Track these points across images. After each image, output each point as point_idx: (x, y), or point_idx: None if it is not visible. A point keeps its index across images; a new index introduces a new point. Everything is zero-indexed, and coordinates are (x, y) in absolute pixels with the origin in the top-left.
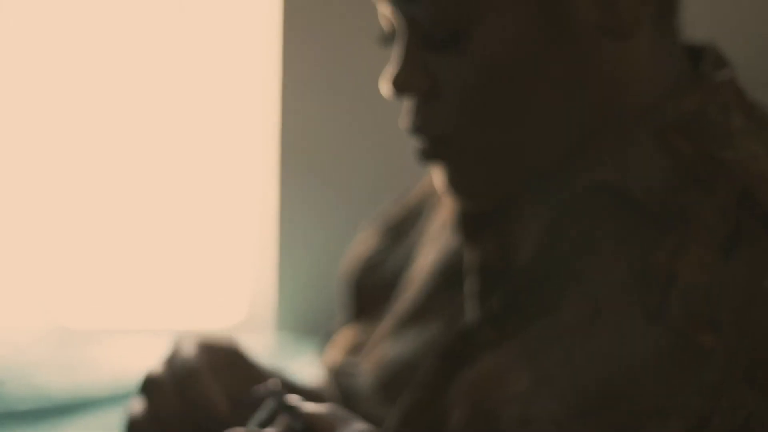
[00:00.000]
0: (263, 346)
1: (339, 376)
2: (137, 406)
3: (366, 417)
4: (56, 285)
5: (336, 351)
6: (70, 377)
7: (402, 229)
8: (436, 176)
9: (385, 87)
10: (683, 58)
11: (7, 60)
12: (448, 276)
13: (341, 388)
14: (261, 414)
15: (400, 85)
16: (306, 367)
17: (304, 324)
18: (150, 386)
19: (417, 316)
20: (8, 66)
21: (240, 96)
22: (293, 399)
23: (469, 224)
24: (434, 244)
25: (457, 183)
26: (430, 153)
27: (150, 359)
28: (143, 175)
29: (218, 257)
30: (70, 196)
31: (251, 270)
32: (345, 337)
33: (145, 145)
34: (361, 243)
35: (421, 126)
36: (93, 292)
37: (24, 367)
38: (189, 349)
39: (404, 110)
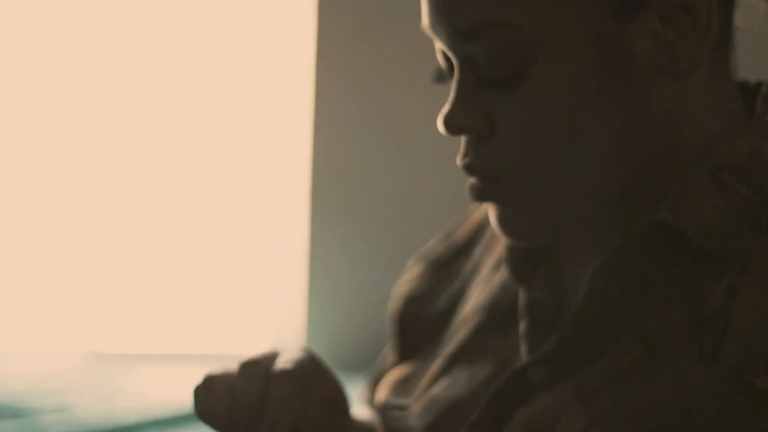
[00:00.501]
0: None
1: (388, 415)
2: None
3: None
4: (89, 310)
5: (384, 389)
6: (103, 404)
7: (451, 267)
8: (490, 215)
9: (440, 125)
10: (738, 98)
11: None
12: (501, 316)
13: (391, 428)
14: None
15: (455, 123)
16: None
17: (333, 359)
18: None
19: (468, 355)
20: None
21: (273, 131)
22: None
23: (521, 265)
24: (487, 283)
25: (509, 223)
26: (484, 192)
27: (181, 386)
28: (182, 205)
29: (250, 287)
30: (105, 224)
31: (281, 300)
32: (393, 375)
33: (182, 177)
34: (408, 280)
35: (475, 165)
36: (125, 317)
37: (57, 393)
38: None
39: (460, 148)
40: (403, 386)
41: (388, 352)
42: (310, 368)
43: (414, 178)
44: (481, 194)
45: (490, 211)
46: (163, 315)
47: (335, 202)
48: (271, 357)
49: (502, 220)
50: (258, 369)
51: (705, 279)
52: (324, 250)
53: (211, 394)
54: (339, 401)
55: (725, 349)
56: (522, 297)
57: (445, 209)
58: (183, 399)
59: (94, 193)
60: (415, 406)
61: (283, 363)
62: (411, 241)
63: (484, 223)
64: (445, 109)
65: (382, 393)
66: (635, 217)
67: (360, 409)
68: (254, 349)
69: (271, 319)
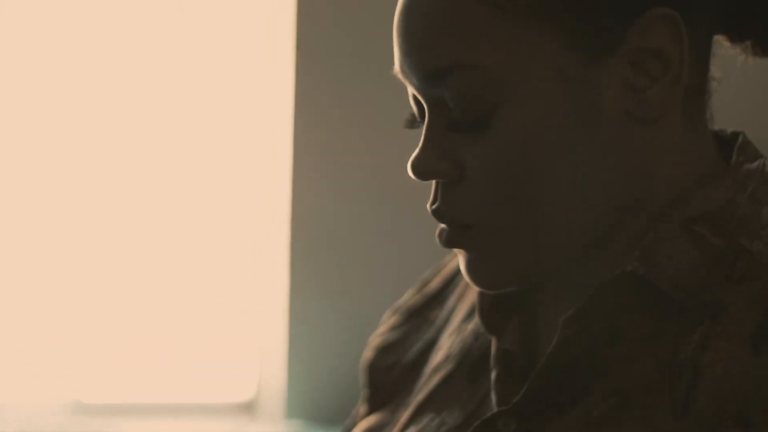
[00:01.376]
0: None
1: None
2: None
3: None
4: (70, 360)
5: None
6: None
7: (424, 316)
8: (460, 262)
9: (409, 169)
10: (714, 147)
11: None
12: (471, 365)
13: None
14: None
15: (423, 168)
16: None
17: (314, 411)
18: None
19: (437, 404)
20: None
21: (253, 179)
22: None
23: (493, 314)
24: (459, 332)
25: (478, 270)
26: (453, 238)
27: None
28: (163, 250)
29: (232, 337)
30: (85, 273)
31: (261, 349)
32: (363, 425)
33: (165, 223)
34: (382, 331)
35: (443, 210)
36: (105, 367)
37: None
38: None
39: (431, 193)
40: None
41: (360, 404)
42: None
43: (395, 230)
44: (449, 240)
45: (459, 257)
46: (144, 365)
47: (316, 253)
48: None
49: (471, 267)
50: None
51: (677, 330)
52: (304, 302)
53: None
54: None
55: (696, 403)
56: (493, 346)
57: (429, 263)
58: None
59: (76, 237)
60: None
61: None
62: (392, 294)
63: (457, 272)
64: (415, 153)
65: None
66: (607, 266)
67: None
68: (235, 399)
69: (252, 371)
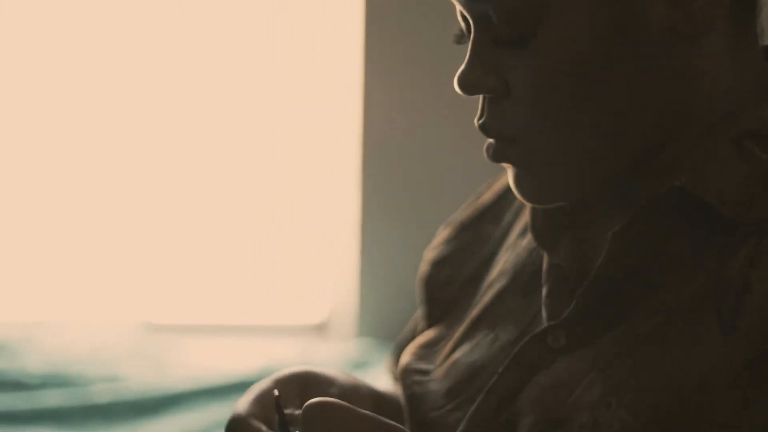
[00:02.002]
0: (344, 352)
1: (409, 380)
2: None
3: (435, 422)
4: (141, 281)
5: (408, 354)
6: (154, 374)
7: (478, 230)
8: (508, 176)
9: (455, 84)
10: (763, 63)
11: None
12: (525, 281)
13: (410, 392)
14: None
15: (469, 83)
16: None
17: (386, 330)
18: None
19: (491, 320)
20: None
21: (324, 109)
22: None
23: (545, 230)
24: (514, 248)
25: (524, 184)
26: (499, 153)
27: (233, 357)
28: (239, 176)
29: (303, 259)
30: (161, 195)
31: (333, 272)
32: (419, 340)
33: (235, 150)
34: (436, 244)
35: (490, 125)
36: (178, 289)
37: (108, 363)
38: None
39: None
40: (427, 351)
41: (417, 318)
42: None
43: (468, 144)
44: (496, 155)
45: (508, 172)
46: (216, 286)
47: (387, 174)
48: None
49: (518, 182)
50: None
51: (724, 247)
52: (376, 221)
53: None
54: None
55: (743, 319)
56: (545, 262)
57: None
58: (233, 369)
59: (150, 161)
60: (438, 371)
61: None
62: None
63: (510, 187)
64: (461, 68)
65: (406, 358)
66: (655, 182)
67: (384, 382)
68: (306, 321)
69: (324, 292)
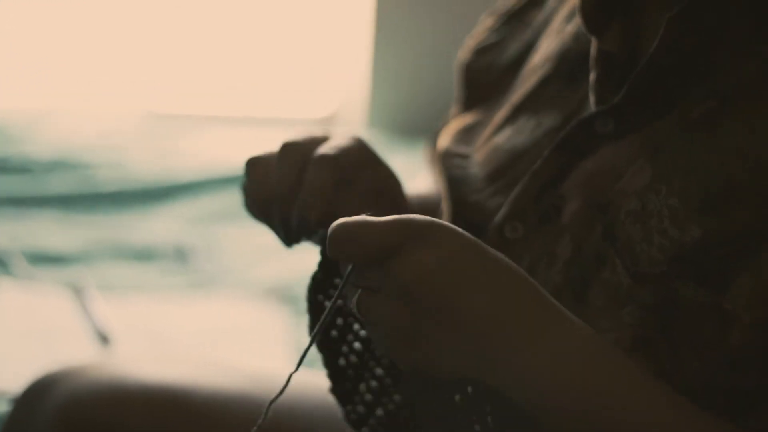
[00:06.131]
0: None
1: (449, 163)
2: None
3: (475, 205)
4: (145, 70)
5: (447, 137)
6: (158, 162)
7: (522, 17)
8: None
9: None
10: None
11: None
12: (570, 67)
13: (449, 174)
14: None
15: None
16: (398, 167)
17: (397, 122)
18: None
19: (534, 105)
20: None
21: None
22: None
23: (595, 14)
24: (558, 33)
25: None
26: None
27: (238, 148)
28: None
29: (313, 49)
30: None
31: (345, 64)
32: (457, 123)
33: None
34: (479, 32)
35: None
36: (183, 79)
37: (113, 150)
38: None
39: None
40: (466, 135)
41: (454, 105)
42: (356, 156)
43: None
44: None
45: None
46: (224, 77)
47: None
48: (316, 141)
49: None
50: (298, 152)
51: None
52: (390, 13)
53: (249, 178)
54: (388, 190)
55: None
56: (593, 48)
57: None
58: (239, 159)
59: None
60: (477, 155)
61: (325, 149)
62: (480, 4)
63: None
64: None
65: (444, 141)
66: None
67: (422, 181)
68: (316, 114)
69: (335, 83)
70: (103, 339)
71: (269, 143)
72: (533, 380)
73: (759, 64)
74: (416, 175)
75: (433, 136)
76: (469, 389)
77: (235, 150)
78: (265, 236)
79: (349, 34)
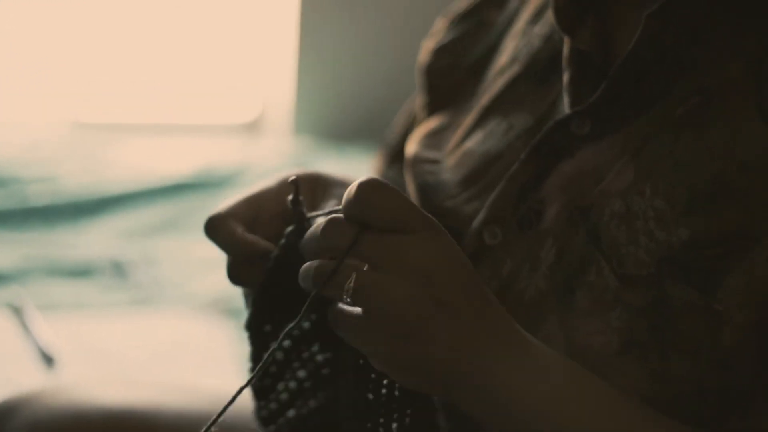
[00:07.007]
0: (282, 150)
1: (420, 169)
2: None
3: (451, 211)
4: (70, 79)
5: (415, 143)
6: (91, 174)
7: (480, 17)
8: None
9: None
10: None
11: None
12: (540, 68)
13: (421, 181)
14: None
15: None
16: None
17: (323, 127)
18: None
19: (504, 108)
20: None
21: None
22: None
23: (568, 12)
24: (524, 34)
25: None
26: None
27: (168, 157)
28: None
29: (238, 55)
30: None
31: (270, 70)
32: (424, 128)
33: None
34: (435, 32)
35: None
36: (109, 87)
37: (42, 162)
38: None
39: None
40: (433, 139)
41: (408, 112)
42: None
43: None
44: None
45: None
46: (149, 84)
47: None
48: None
49: None
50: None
51: (764, 31)
52: (314, 17)
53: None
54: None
55: None
56: (566, 47)
57: None
58: (171, 170)
59: None
60: (449, 160)
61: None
62: (404, 8)
63: None
64: None
65: (412, 146)
66: None
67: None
68: (241, 119)
69: (260, 89)
70: (48, 360)
71: (195, 153)
72: (501, 405)
73: (743, 62)
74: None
75: (384, 145)
76: (395, 391)
77: (163, 159)
78: (202, 248)
79: (274, 39)
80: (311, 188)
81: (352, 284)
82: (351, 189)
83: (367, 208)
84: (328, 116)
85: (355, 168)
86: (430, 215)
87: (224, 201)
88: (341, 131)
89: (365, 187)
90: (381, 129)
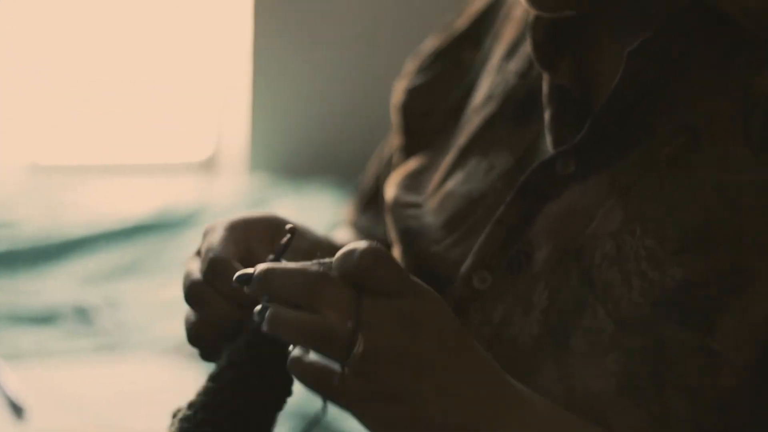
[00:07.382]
0: (239, 189)
1: (400, 213)
2: (190, 316)
3: (436, 257)
4: (27, 121)
5: (394, 186)
6: (49, 218)
7: (455, 57)
8: None
9: None
10: None
11: None
12: (517, 105)
13: (404, 226)
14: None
15: None
16: (286, 210)
17: (279, 164)
18: (193, 293)
19: (482, 147)
20: None
21: None
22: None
23: (546, 47)
24: (498, 71)
25: None
26: None
27: (126, 198)
28: (122, 8)
29: (191, 94)
30: (45, 29)
31: (224, 107)
32: (402, 171)
33: None
34: (408, 73)
35: None
36: (65, 129)
37: (1, 207)
38: (217, 236)
39: None
40: (413, 181)
41: (382, 157)
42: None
43: None
44: None
45: None
46: (104, 125)
47: (279, 7)
48: None
49: None
50: None
51: (749, 64)
52: (267, 53)
53: None
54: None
55: None
56: (546, 84)
57: (404, 10)
58: (129, 211)
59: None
60: (430, 203)
61: None
62: (362, 42)
63: (489, 12)
64: None
65: (392, 190)
66: None
67: (339, 233)
68: (197, 156)
69: (214, 127)
70: (18, 410)
71: (151, 194)
72: None
73: (727, 95)
74: (305, 218)
75: (358, 195)
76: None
77: (121, 200)
78: (165, 290)
79: (227, 76)
80: (270, 234)
81: (360, 349)
82: (352, 253)
83: (368, 276)
84: (284, 152)
85: (313, 204)
86: (419, 282)
87: (208, 242)
88: (297, 167)
89: (368, 255)
90: (337, 164)
